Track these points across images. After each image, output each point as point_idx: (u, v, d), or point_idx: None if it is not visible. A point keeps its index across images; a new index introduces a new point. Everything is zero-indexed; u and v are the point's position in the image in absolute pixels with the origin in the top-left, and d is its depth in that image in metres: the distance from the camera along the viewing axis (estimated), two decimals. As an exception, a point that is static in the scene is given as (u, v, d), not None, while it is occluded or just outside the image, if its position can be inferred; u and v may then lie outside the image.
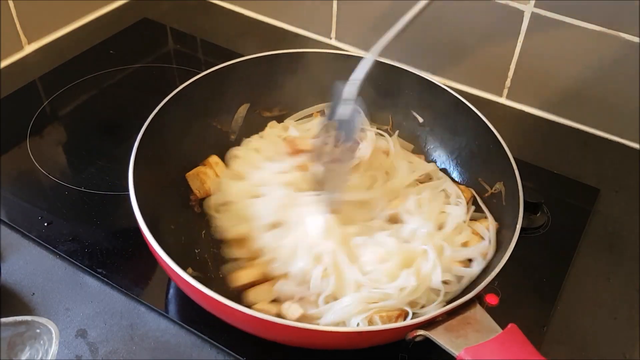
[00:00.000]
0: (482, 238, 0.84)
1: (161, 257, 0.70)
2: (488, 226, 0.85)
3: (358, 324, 0.73)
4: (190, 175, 0.91)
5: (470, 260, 0.83)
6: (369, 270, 0.79)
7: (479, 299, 0.71)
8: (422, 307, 0.77)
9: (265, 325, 0.68)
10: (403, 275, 0.77)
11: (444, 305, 0.71)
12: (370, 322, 0.74)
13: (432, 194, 0.89)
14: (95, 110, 1.11)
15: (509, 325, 0.67)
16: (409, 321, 0.69)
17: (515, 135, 0.91)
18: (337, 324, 0.75)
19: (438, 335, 0.67)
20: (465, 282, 0.80)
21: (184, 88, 0.90)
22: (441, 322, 0.69)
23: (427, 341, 0.68)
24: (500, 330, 0.67)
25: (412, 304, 0.76)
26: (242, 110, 0.98)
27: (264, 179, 0.89)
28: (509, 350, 0.65)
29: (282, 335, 0.72)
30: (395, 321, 0.74)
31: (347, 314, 0.74)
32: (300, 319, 0.75)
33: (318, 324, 0.75)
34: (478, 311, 0.70)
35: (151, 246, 0.72)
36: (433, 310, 0.71)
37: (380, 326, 0.72)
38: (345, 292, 0.77)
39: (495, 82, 1.14)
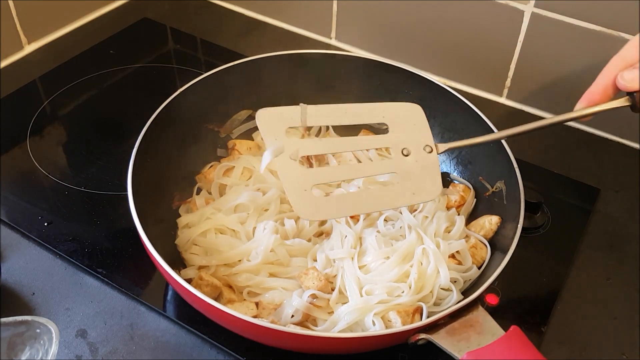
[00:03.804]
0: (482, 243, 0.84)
1: (158, 262, 0.70)
2: (490, 221, 0.85)
3: (374, 323, 0.73)
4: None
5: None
6: (372, 268, 0.79)
7: (479, 300, 0.70)
8: (435, 304, 0.77)
9: (264, 331, 0.68)
10: (404, 269, 0.78)
11: (459, 302, 0.71)
12: (385, 320, 0.74)
13: None
14: (95, 110, 1.11)
15: (511, 328, 0.67)
16: (410, 325, 0.68)
17: (515, 135, 0.91)
18: (351, 325, 0.74)
19: (440, 339, 0.67)
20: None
21: (185, 90, 0.89)
22: (443, 325, 0.68)
23: (428, 342, 0.68)
24: (502, 333, 0.67)
25: (424, 299, 0.76)
26: (244, 114, 0.98)
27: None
28: (511, 353, 0.65)
29: (281, 341, 0.72)
30: (413, 317, 0.74)
31: (354, 317, 0.74)
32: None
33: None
34: (480, 313, 0.70)
35: (148, 251, 0.72)
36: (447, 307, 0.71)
37: (381, 331, 0.72)
38: (348, 292, 0.77)
39: (495, 82, 1.14)
